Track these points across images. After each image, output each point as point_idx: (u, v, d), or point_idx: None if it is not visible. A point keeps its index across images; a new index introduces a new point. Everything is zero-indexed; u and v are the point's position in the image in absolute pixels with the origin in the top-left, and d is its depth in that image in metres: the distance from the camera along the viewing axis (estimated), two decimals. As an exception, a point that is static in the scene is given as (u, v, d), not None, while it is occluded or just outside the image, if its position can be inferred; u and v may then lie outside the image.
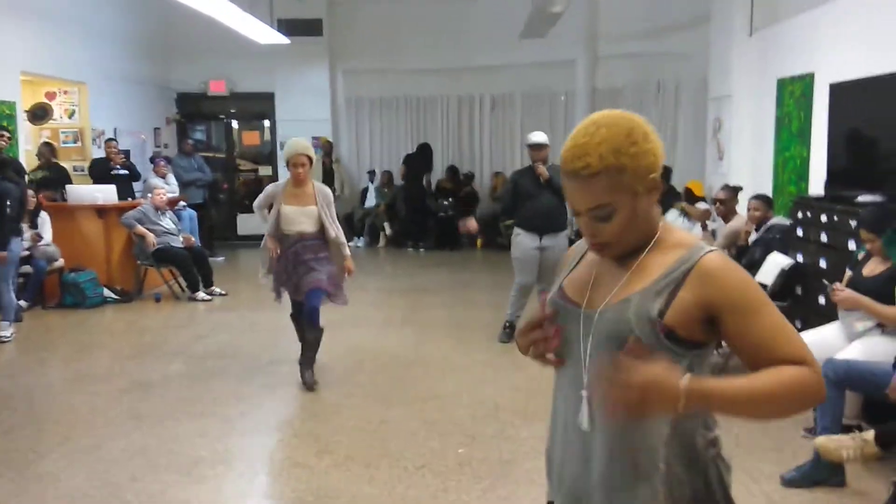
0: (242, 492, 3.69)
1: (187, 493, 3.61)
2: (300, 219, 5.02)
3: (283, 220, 5.02)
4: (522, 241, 6.22)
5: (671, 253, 1.45)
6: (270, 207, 5.18)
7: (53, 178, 8.67)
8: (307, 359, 5.18)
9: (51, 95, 9.82)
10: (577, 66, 12.02)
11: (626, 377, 1.29)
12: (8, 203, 6.38)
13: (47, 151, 8.91)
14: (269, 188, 5.20)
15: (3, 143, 7.23)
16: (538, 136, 6.22)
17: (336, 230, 5.11)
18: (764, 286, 5.41)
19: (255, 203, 5.25)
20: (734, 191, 6.85)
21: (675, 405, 1.30)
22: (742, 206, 6.59)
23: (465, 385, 5.25)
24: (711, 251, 1.43)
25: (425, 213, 12.27)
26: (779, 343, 1.38)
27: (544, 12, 9.08)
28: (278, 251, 5.06)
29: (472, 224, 6.94)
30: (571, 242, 1.81)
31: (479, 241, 11.99)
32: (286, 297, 5.26)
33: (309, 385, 5.09)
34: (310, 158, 4.99)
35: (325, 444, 4.24)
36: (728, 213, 6.70)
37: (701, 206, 7.70)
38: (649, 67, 11.29)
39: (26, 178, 8.29)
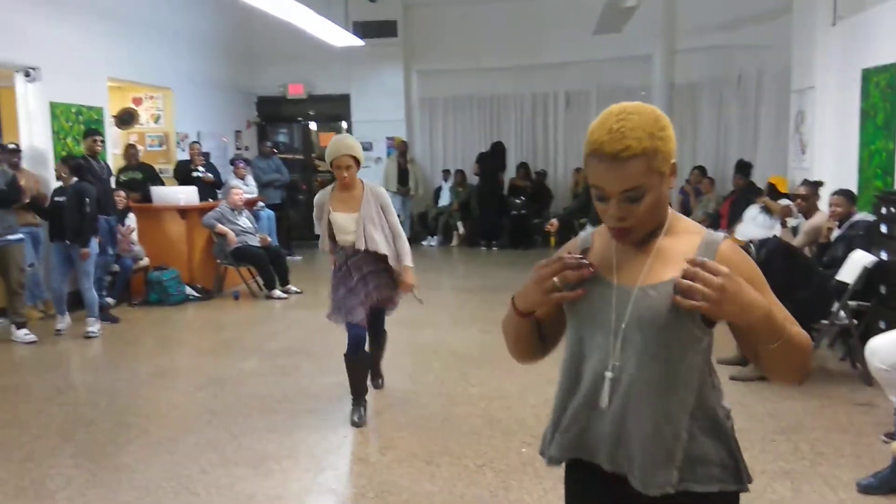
0: (306, 487, 3.76)
1: (254, 487, 3.71)
2: (351, 226, 4.39)
3: (334, 228, 4.44)
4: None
5: (686, 237, 1.57)
6: None
7: (147, 178, 9.04)
8: (357, 397, 4.60)
9: (137, 101, 10.26)
10: (654, 60, 11.77)
11: (717, 268, 1.41)
12: (87, 202, 6.68)
13: (133, 152, 9.28)
14: (318, 197, 4.54)
15: (98, 148, 7.57)
16: None
17: (390, 238, 4.49)
18: (846, 285, 5.20)
19: (315, 216, 4.57)
20: (815, 186, 6.59)
21: (751, 310, 1.44)
22: (824, 202, 6.34)
23: (531, 384, 5.21)
24: (725, 240, 1.58)
25: (499, 212, 12.25)
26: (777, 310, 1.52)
27: (618, 7, 8.94)
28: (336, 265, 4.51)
29: (553, 224, 7.07)
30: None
31: (552, 239, 11.90)
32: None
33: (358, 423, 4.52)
34: (355, 159, 4.33)
35: (388, 440, 4.29)
36: (809, 210, 6.45)
37: (784, 202, 7.44)
38: (729, 60, 10.97)
39: (118, 178, 8.73)
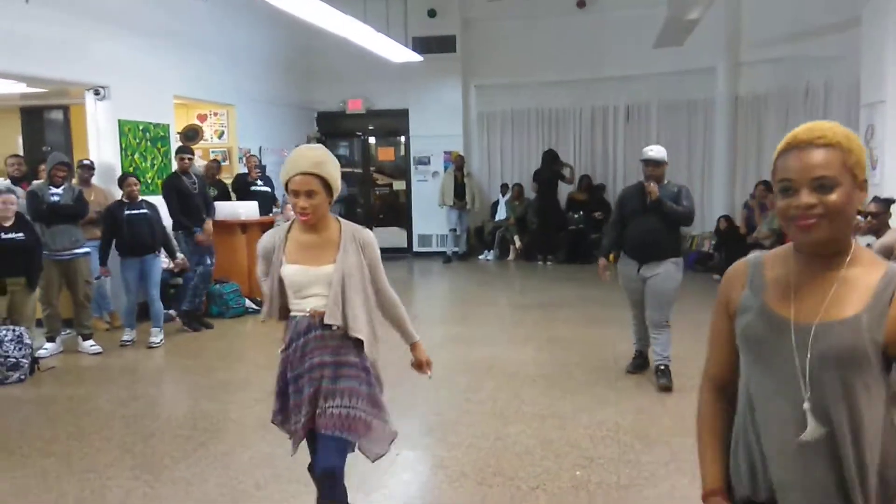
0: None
1: None
2: (312, 286, 2.82)
3: (288, 288, 2.86)
4: (622, 268, 5.61)
5: (872, 269, 1.52)
6: None
7: (220, 194, 9.27)
8: None
9: (202, 117, 10.53)
10: (717, 72, 11.57)
11: None
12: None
13: (214, 168, 9.47)
14: (264, 241, 2.93)
15: (186, 164, 7.74)
16: (656, 151, 5.45)
17: (372, 311, 2.93)
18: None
19: (259, 270, 3.04)
20: (887, 203, 6.36)
21: None
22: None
23: (586, 405, 5.14)
24: None
25: (557, 226, 12.16)
26: None
27: (680, 20, 8.82)
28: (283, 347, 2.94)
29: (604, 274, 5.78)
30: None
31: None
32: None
33: None
34: (324, 183, 2.73)
35: (440, 459, 4.27)
36: (880, 227, 6.22)
37: (858, 219, 7.19)
38: (795, 72, 10.67)
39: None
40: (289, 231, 2.92)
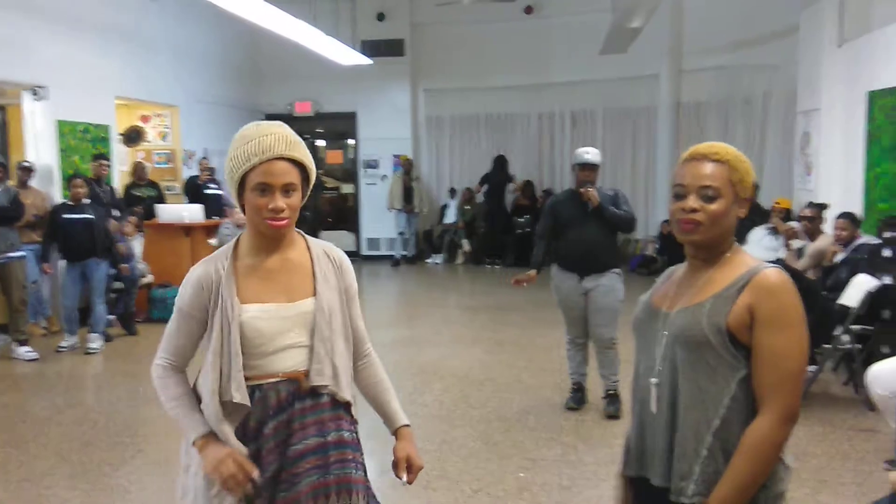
0: (301, 509, 3.74)
1: (247, 509, 3.69)
2: (287, 333, 1.93)
3: (249, 341, 1.90)
4: (559, 283, 5.06)
5: (739, 268, 1.71)
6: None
7: (156, 195, 9.10)
8: None
9: (145, 119, 10.33)
10: (661, 80, 11.79)
11: None
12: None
13: (141, 169, 9.31)
14: (197, 274, 1.95)
15: (104, 172, 7.61)
16: (593, 154, 4.91)
17: (348, 364, 2.05)
18: (848, 309, 5.15)
19: (173, 322, 2.06)
20: (820, 208, 6.57)
21: None
22: (829, 225, 6.31)
23: (532, 407, 5.18)
24: (773, 268, 1.69)
25: (504, 230, 12.25)
26: (772, 368, 1.63)
27: (624, 28, 8.97)
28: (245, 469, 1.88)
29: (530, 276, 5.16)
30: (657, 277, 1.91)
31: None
32: None
33: None
34: (304, 173, 1.92)
35: (384, 463, 4.24)
36: (814, 232, 6.43)
37: (793, 224, 7.40)
38: (736, 80, 10.95)
39: (130, 192, 8.80)
40: (234, 256, 1.97)
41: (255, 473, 1.87)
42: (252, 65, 12.56)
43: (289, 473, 1.90)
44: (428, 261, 12.74)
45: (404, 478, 2.10)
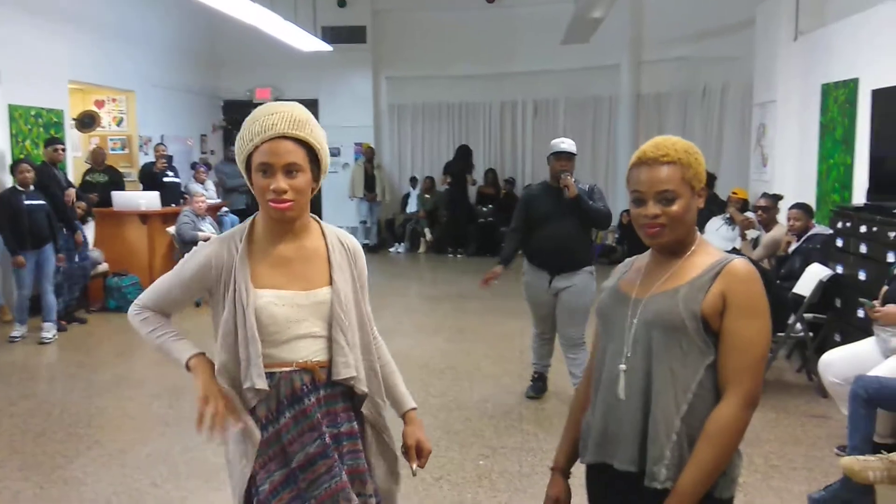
0: (260, 500, 3.71)
1: (205, 501, 3.65)
2: (303, 322, 1.91)
3: (264, 328, 1.87)
4: (530, 280, 4.89)
5: (708, 257, 1.77)
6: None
7: (112, 181, 8.89)
8: None
9: (100, 104, 10.11)
10: (621, 70, 11.88)
11: None
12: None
13: (101, 154, 9.11)
14: (207, 251, 1.94)
15: (59, 157, 7.41)
16: (569, 144, 4.79)
17: (371, 345, 2.06)
18: (802, 297, 5.26)
19: (141, 300, 2.04)
20: (775, 199, 6.68)
21: None
22: (783, 215, 6.42)
23: (492, 395, 5.21)
24: (742, 258, 1.77)
25: (466, 219, 12.26)
26: (740, 354, 1.68)
27: (585, 18, 9.01)
28: (248, 423, 1.90)
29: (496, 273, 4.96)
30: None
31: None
32: None
33: None
34: (313, 154, 1.86)
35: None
36: (769, 222, 6.54)
37: (749, 215, 7.52)
38: (694, 72, 11.09)
39: (84, 179, 8.59)
40: (248, 238, 1.93)
41: (240, 426, 1.87)
42: (211, 50, 12.36)
43: (324, 465, 1.88)
44: (391, 250, 12.70)
45: (415, 465, 2.09)
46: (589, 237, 4.93)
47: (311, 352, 1.91)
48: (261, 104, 1.91)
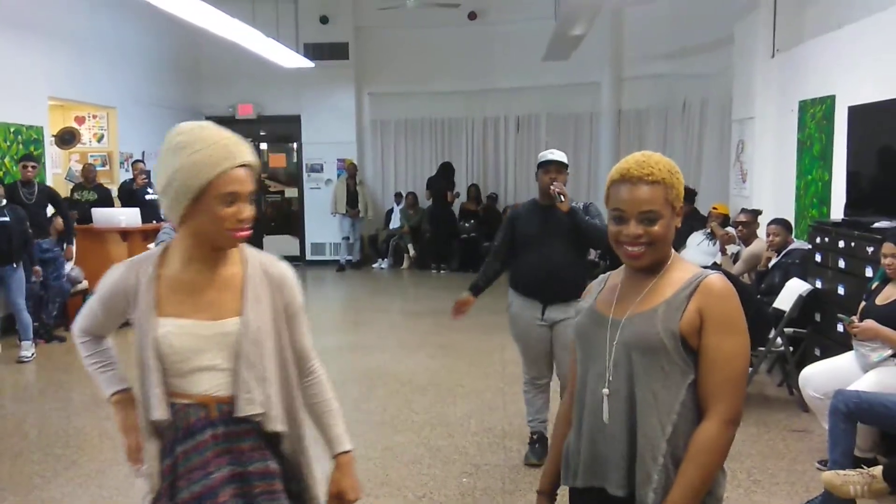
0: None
1: (185, 521, 3.61)
2: (204, 353, 1.81)
3: (166, 358, 1.81)
4: (518, 312, 4.20)
5: (683, 273, 1.75)
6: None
7: (100, 198, 8.82)
8: None
9: (80, 120, 10.05)
10: (602, 87, 11.99)
11: None
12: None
13: (92, 170, 9.03)
14: (115, 276, 1.89)
15: (29, 174, 7.32)
16: (559, 154, 4.13)
17: (294, 384, 1.95)
18: (782, 312, 5.30)
19: (77, 322, 2.04)
20: (754, 214, 6.75)
21: None
22: (763, 230, 6.47)
23: (475, 411, 5.20)
24: (717, 274, 1.75)
25: (450, 235, 12.27)
26: (720, 371, 1.66)
27: (566, 35, 9.08)
28: (142, 454, 1.91)
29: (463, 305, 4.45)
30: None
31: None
32: None
33: None
34: (252, 171, 1.80)
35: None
36: (749, 237, 6.60)
37: (730, 230, 7.57)
38: (674, 89, 11.19)
39: (72, 196, 8.52)
40: (159, 264, 1.85)
41: (141, 466, 1.88)
42: (193, 66, 12.34)
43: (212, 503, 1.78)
44: (374, 266, 12.68)
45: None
46: (584, 262, 4.35)
47: (212, 385, 1.81)
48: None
